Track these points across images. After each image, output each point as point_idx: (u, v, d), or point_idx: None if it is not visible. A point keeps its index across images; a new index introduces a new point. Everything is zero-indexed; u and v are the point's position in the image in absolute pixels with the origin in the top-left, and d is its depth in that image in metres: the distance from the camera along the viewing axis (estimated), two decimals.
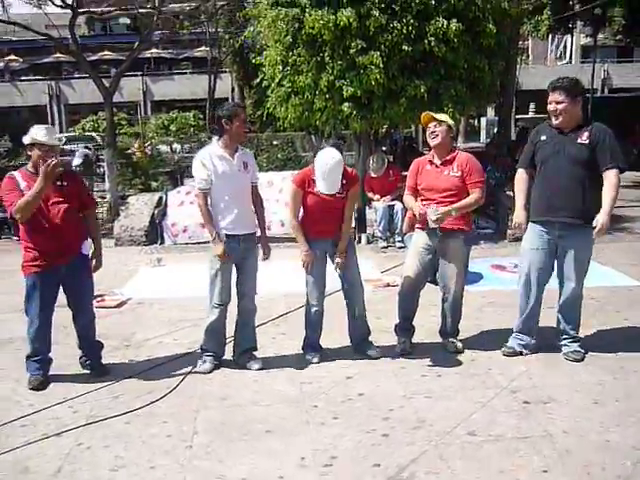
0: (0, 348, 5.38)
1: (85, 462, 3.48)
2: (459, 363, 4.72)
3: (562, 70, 38.02)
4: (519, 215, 4.73)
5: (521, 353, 4.81)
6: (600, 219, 4.30)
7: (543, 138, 4.60)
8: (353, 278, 4.85)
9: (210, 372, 4.64)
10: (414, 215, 4.87)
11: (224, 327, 4.74)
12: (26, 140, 4.34)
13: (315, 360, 4.80)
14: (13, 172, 4.41)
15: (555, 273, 4.74)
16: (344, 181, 4.62)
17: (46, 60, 35.56)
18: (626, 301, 6.22)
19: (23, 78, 36.88)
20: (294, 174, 10.66)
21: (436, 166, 4.75)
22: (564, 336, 4.78)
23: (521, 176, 4.80)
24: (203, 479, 3.29)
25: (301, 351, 4.95)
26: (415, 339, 5.12)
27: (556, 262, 4.69)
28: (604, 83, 35.02)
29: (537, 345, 4.82)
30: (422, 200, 4.79)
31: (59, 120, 35.76)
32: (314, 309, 4.81)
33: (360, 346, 4.95)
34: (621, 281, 7.00)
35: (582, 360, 4.66)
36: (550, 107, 4.50)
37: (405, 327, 5.04)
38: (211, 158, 4.49)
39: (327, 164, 4.49)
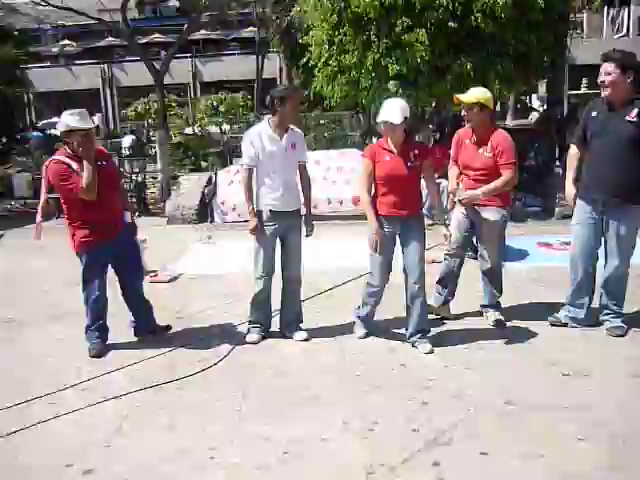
0: (60, 321, 5.65)
1: (142, 422, 3.73)
2: (501, 335, 4.79)
3: (618, 43, 36.80)
4: (569, 190, 4.79)
5: (566, 325, 4.87)
6: None
7: (594, 114, 4.58)
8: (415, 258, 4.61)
9: (257, 342, 4.85)
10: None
11: (269, 298, 4.94)
12: (61, 127, 4.52)
13: (361, 334, 4.90)
14: (56, 157, 4.58)
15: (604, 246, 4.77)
16: (416, 151, 4.48)
17: (99, 44, 36.21)
18: None
19: (77, 62, 37.70)
20: (343, 152, 10.78)
21: (473, 143, 4.82)
22: (607, 311, 4.81)
23: (573, 151, 4.83)
24: (251, 440, 3.49)
25: (346, 322, 5.08)
26: (458, 312, 5.24)
27: (603, 238, 4.72)
28: None
29: (587, 320, 4.83)
30: (462, 174, 4.89)
31: (112, 103, 36.52)
32: (373, 290, 4.75)
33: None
34: None
35: (624, 335, 4.69)
36: (600, 78, 4.46)
37: (441, 284, 5.15)
38: (260, 137, 4.66)
39: (389, 99, 4.66)
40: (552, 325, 4.89)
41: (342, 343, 4.80)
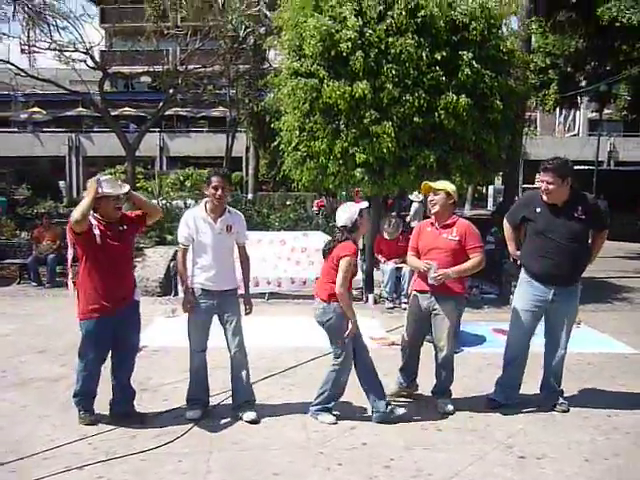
0: (23, 388, 5.63)
1: None
2: (458, 419, 4.96)
3: (569, 142, 38.87)
4: (514, 253, 5.32)
5: (502, 404, 5.14)
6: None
7: (538, 210, 5.00)
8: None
9: (198, 419, 4.82)
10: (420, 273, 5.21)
11: (205, 373, 5.01)
12: (94, 191, 4.48)
13: (331, 420, 4.87)
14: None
15: (543, 333, 5.19)
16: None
17: (68, 113, 36.62)
18: (622, 367, 6.46)
19: (45, 129, 37.95)
20: (307, 233, 11.02)
21: (436, 228, 5.13)
22: (551, 390, 5.18)
23: (509, 226, 5.31)
24: None
25: (308, 400, 5.16)
26: (418, 393, 5.41)
27: (545, 323, 5.13)
28: (610, 156, 35.71)
29: (519, 400, 5.19)
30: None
31: (77, 171, 36.62)
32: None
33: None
34: (618, 348, 7.24)
35: (568, 411, 5.04)
36: (542, 186, 4.93)
37: (402, 371, 5.36)
38: (194, 219, 4.86)
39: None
40: (489, 407, 5.15)
41: (306, 420, 4.89)
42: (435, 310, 5.06)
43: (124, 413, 4.85)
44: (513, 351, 5.20)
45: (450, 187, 5.16)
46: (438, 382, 5.24)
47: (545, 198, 4.91)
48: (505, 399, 5.17)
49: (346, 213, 4.85)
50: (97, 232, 4.54)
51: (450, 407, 5.10)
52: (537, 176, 21.92)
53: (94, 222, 4.57)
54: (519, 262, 5.27)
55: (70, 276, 4.81)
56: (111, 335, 4.68)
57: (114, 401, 4.88)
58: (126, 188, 4.69)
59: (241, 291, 5.11)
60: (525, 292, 5.10)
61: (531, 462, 4.19)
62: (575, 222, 4.86)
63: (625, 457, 4.28)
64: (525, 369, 5.23)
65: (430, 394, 5.30)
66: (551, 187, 4.83)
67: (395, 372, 5.45)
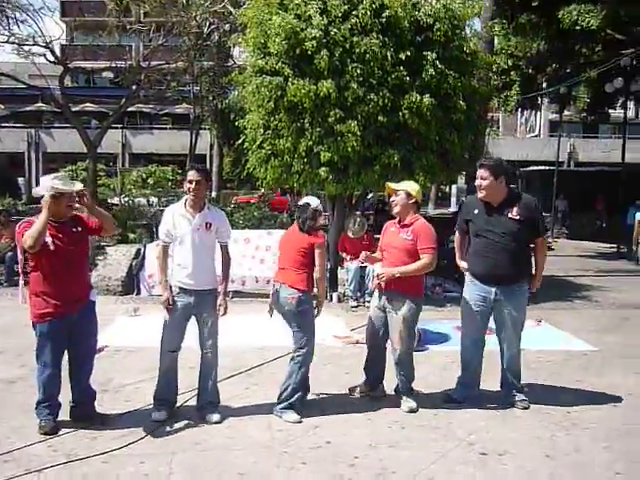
0: None
1: None
2: (422, 416, 5.00)
3: (531, 143, 39.63)
4: (460, 264, 5.38)
5: (462, 402, 5.21)
6: (535, 284, 5.20)
7: (476, 212, 5.10)
8: None
9: (164, 420, 4.75)
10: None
11: (175, 374, 4.94)
12: (46, 191, 4.40)
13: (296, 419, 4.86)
14: (30, 218, 4.56)
15: (495, 331, 5.27)
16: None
17: (27, 108, 35.90)
18: (581, 365, 6.59)
19: (3, 125, 37.14)
20: (271, 232, 11.02)
21: (396, 228, 5.19)
22: (510, 388, 5.26)
23: (457, 235, 5.44)
24: None
25: (272, 400, 5.15)
26: (382, 391, 5.42)
27: (494, 322, 5.20)
28: (570, 157, 36.49)
29: (479, 397, 5.26)
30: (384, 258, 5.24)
31: (36, 167, 35.93)
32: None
33: None
34: (577, 346, 7.39)
35: (528, 408, 5.12)
36: (477, 182, 5.02)
37: (365, 370, 5.43)
38: (173, 215, 4.83)
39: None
40: (446, 402, 5.24)
41: (269, 420, 4.87)
42: (388, 309, 5.11)
43: (85, 415, 4.75)
44: (468, 351, 5.28)
45: (412, 187, 5.21)
46: (399, 380, 5.26)
47: (480, 195, 5.02)
48: (464, 398, 5.24)
49: (315, 200, 5.07)
50: (49, 240, 4.40)
51: (413, 404, 5.12)
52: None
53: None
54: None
55: (22, 283, 4.65)
56: (66, 337, 4.56)
57: (74, 403, 4.78)
58: (79, 186, 4.60)
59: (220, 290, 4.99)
60: (470, 292, 5.19)
61: (493, 458, 4.24)
62: (510, 222, 4.93)
63: (585, 453, 4.37)
64: (483, 367, 5.30)
65: (393, 392, 5.32)
66: (485, 183, 4.91)
67: (359, 370, 5.47)
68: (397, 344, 5.09)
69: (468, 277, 5.24)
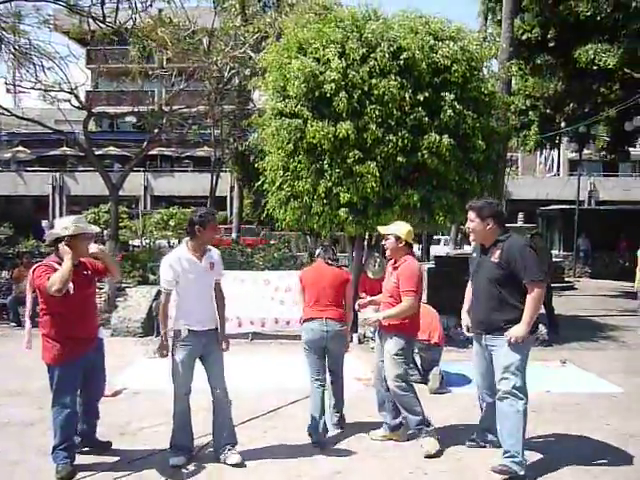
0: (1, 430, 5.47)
1: None
2: (446, 461, 4.87)
3: (550, 182, 39.48)
4: (463, 319, 5.14)
5: (484, 446, 5.05)
6: (513, 329, 4.51)
7: (474, 255, 5.03)
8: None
9: (182, 465, 4.69)
10: None
11: (189, 417, 4.87)
12: (67, 231, 4.51)
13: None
14: (45, 262, 4.61)
15: None
16: None
17: (52, 152, 36.66)
18: (608, 407, 6.41)
19: (28, 168, 37.92)
20: (290, 274, 11.03)
21: (390, 271, 5.26)
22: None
23: (468, 286, 5.14)
24: None
25: (289, 443, 5.10)
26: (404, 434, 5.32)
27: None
28: (590, 195, 36.26)
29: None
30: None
31: (60, 210, 36.49)
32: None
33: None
34: (604, 387, 7.21)
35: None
36: (467, 224, 4.93)
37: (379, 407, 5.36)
38: (180, 261, 4.77)
39: None
40: (470, 447, 5.05)
41: (290, 464, 4.77)
42: (381, 347, 5.21)
43: (90, 445, 4.93)
44: (482, 396, 5.02)
45: (401, 230, 5.22)
46: (404, 421, 5.16)
47: (470, 238, 4.97)
48: (485, 442, 5.07)
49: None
50: (70, 284, 4.46)
51: (429, 448, 4.94)
52: (519, 215, 22.16)
53: (59, 267, 4.50)
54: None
55: (29, 327, 4.67)
56: (81, 376, 4.66)
57: (80, 436, 4.85)
58: (97, 229, 4.73)
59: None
60: (474, 340, 5.00)
61: None
62: (492, 265, 4.67)
63: None
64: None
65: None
66: (471, 225, 4.82)
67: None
68: (388, 380, 5.09)
69: None
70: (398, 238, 5.17)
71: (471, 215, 4.82)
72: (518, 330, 4.51)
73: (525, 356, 4.63)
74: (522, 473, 4.47)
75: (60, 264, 4.50)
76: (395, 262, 5.20)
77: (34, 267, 4.63)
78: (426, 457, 4.90)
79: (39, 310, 4.66)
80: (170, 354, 4.80)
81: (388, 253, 5.25)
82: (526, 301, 4.55)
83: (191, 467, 4.69)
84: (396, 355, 5.06)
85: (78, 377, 4.62)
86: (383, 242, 5.31)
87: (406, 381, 5.12)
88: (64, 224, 4.63)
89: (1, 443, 5.19)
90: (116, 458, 4.85)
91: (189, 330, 4.76)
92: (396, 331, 5.06)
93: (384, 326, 5.14)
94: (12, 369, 7.63)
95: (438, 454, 4.94)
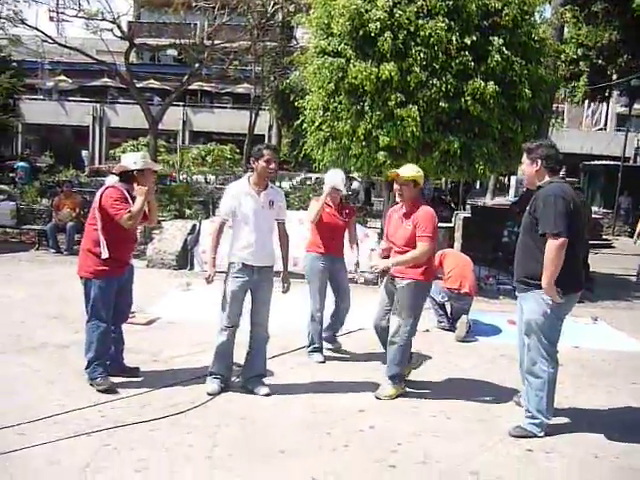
0: (36, 352, 5.68)
1: (111, 460, 3.76)
2: (469, 408, 4.92)
3: (596, 136, 38.37)
4: None
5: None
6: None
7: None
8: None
9: (217, 393, 4.84)
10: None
11: (232, 350, 4.99)
12: (136, 166, 4.86)
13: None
14: (116, 185, 4.85)
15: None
16: (347, 210, 6.09)
17: (94, 83, 36.71)
18: (635, 366, 6.36)
19: (70, 98, 38.12)
20: None
21: (400, 217, 5.08)
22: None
23: None
24: None
25: (317, 380, 5.23)
26: (428, 380, 5.40)
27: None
28: (637, 153, 35.15)
29: None
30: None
31: (100, 141, 36.84)
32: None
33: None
34: (633, 347, 7.14)
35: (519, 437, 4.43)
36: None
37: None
38: (238, 193, 4.86)
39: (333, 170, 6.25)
40: (517, 405, 4.97)
41: (314, 400, 4.88)
42: (394, 293, 5.04)
43: (121, 370, 5.12)
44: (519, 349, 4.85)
45: (418, 174, 5.04)
46: (388, 362, 5.08)
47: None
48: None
49: None
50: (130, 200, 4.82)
51: (390, 391, 4.96)
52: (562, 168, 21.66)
53: (130, 200, 4.81)
54: None
55: (104, 243, 4.77)
56: (115, 294, 4.89)
57: (109, 361, 5.00)
58: (160, 166, 4.95)
59: (278, 268, 5.04)
60: None
61: (539, 455, 4.14)
62: (527, 212, 4.53)
63: (635, 457, 4.21)
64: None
65: (441, 381, 5.25)
66: (522, 166, 4.72)
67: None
68: (394, 327, 4.97)
69: None
70: (416, 184, 5.02)
71: (524, 156, 4.64)
72: (543, 285, 4.26)
73: (553, 316, 4.35)
74: (541, 434, 4.40)
75: (128, 191, 4.80)
76: (405, 207, 5.02)
77: (105, 188, 4.84)
78: (376, 397, 4.95)
79: (88, 225, 4.89)
80: (223, 284, 4.88)
81: (400, 199, 5.02)
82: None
83: (220, 396, 4.82)
84: (414, 307, 4.99)
85: (113, 294, 4.83)
86: (396, 187, 5.00)
87: (412, 335, 5.06)
88: (133, 158, 4.93)
89: (38, 363, 5.38)
90: (147, 383, 5.00)
91: (243, 264, 4.82)
92: (408, 279, 4.94)
93: (394, 273, 4.99)
94: (51, 294, 7.87)
95: (389, 397, 4.96)
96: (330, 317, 6.17)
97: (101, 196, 4.78)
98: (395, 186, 5.04)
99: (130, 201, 4.77)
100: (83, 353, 4.86)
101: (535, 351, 4.42)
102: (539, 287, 4.30)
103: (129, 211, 4.69)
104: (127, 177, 4.87)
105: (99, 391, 4.70)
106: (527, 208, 4.56)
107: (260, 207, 4.84)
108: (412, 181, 4.99)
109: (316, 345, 5.92)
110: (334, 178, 6.02)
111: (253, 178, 4.89)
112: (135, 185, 4.81)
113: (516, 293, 4.69)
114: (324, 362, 5.81)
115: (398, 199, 5.05)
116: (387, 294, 5.16)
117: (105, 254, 4.69)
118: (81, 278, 4.84)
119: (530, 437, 4.38)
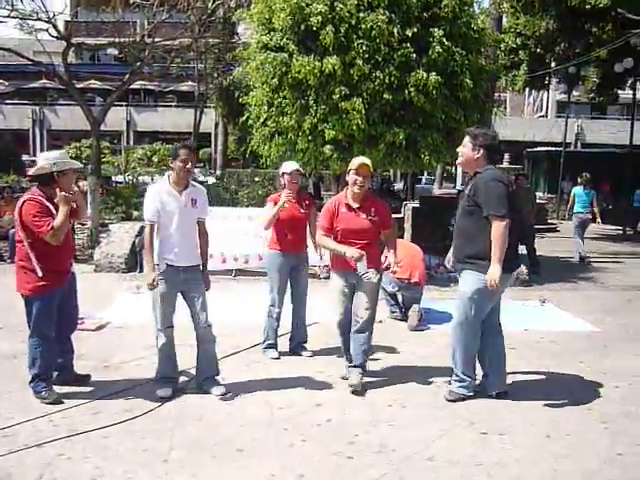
0: None
1: (65, 471, 3.67)
2: (423, 395, 4.99)
3: (537, 123, 39.28)
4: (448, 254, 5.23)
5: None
6: (489, 274, 4.52)
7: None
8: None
9: (169, 397, 4.76)
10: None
11: (174, 349, 4.94)
12: (56, 167, 4.56)
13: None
14: (33, 195, 4.54)
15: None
16: (306, 201, 5.94)
17: (32, 85, 35.71)
18: (583, 346, 6.55)
19: (7, 101, 37.00)
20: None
21: (354, 209, 5.02)
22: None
23: None
24: None
25: (271, 377, 5.22)
26: (382, 370, 5.44)
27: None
28: (577, 138, 36.14)
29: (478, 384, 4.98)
30: (340, 241, 5.02)
31: (40, 145, 35.82)
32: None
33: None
34: (580, 327, 7.35)
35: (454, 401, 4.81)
36: (459, 148, 4.90)
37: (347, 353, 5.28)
38: (159, 193, 4.77)
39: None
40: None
41: (269, 397, 4.86)
42: (360, 284, 5.03)
43: (72, 379, 5.01)
44: None
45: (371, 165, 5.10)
46: (358, 352, 5.09)
47: (457, 161, 5.00)
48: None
49: None
50: (52, 209, 4.56)
51: (356, 380, 4.97)
52: (505, 155, 22.11)
53: (52, 208, 4.55)
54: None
55: (35, 260, 4.58)
56: (57, 308, 4.73)
57: (59, 370, 4.92)
58: (80, 164, 4.74)
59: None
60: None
61: (494, 438, 4.22)
62: (465, 197, 4.76)
63: (586, 434, 4.34)
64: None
65: (388, 372, 5.30)
66: (462, 149, 4.83)
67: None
68: (363, 309, 5.00)
69: None
70: (373, 175, 5.14)
71: (465, 139, 4.77)
72: (491, 273, 4.46)
73: (486, 294, 4.58)
74: (471, 394, 4.83)
75: (47, 199, 4.54)
76: (362, 199, 5.01)
77: (23, 201, 4.56)
78: (354, 390, 4.95)
79: (17, 242, 4.66)
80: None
81: (363, 190, 4.97)
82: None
83: (172, 399, 4.76)
84: (376, 293, 5.15)
85: (55, 308, 4.68)
86: (360, 179, 4.92)
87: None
88: (51, 159, 4.62)
89: None
90: (99, 390, 4.90)
91: (167, 265, 4.76)
92: (376, 267, 5.03)
93: (370, 264, 4.95)
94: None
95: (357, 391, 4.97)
96: (291, 325, 6.08)
97: (20, 213, 4.49)
98: (358, 178, 4.95)
99: (53, 210, 4.50)
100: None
101: (460, 320, 4.76)
102: (478, 266, 4.57)
103: (52, 227, 4.43)
104: (47, 180, 4.57)
105: (47, 403, 4.57)
106: (465, 192, 4.72)
107: (183, 206, 4.77)
108: (373, 173, 5.10)
109: (271, 341, 5.90)
110: (291, 164, 5.97)
111: (173, 177, 4.81)
112: (57, 191, 4.50)
113: (456, 274, 4.92)
114: (279, 358, 5.79)
115: (357, 190, 4.97)
116: (348, 287, 5.10)
117: (39, 272, 4.49)
118: (21, 295, 4.67)
119: (462, 400, 4.78)
